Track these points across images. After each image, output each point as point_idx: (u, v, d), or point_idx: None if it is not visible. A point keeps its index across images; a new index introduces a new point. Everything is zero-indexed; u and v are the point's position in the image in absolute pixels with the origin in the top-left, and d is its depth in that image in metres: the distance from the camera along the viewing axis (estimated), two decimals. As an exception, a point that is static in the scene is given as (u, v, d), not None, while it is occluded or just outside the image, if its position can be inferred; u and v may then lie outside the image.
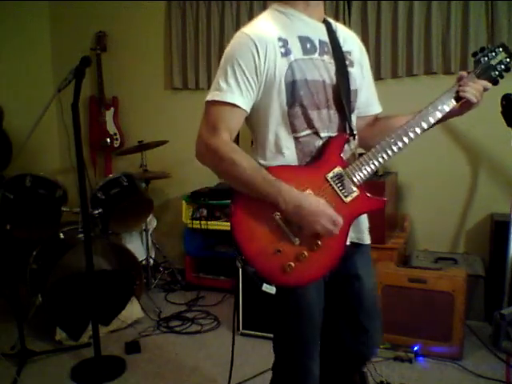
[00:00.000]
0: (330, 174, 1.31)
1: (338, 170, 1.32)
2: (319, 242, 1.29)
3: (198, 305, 3.32)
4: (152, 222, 3.65)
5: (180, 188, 3.75)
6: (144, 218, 3.40)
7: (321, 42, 1.37)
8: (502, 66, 1.37)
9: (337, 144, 1.34)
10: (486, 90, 1.35)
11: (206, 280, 3.56)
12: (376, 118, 1.56)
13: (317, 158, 1.34)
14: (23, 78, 3.91)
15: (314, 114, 1.33)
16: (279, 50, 1.29)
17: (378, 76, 3.15)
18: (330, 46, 1.38)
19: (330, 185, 1.31)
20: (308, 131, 1.34)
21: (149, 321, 3.04)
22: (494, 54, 1.37)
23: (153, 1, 3.77)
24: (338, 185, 1.31)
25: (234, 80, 1.28)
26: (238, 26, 3.50)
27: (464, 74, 1.37)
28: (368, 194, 1.35)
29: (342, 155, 1.34)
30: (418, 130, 1.35)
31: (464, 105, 1.37)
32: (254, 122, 1.38)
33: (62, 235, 3.04)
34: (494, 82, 1.37)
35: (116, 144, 3.95)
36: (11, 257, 2.70)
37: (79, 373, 2.48)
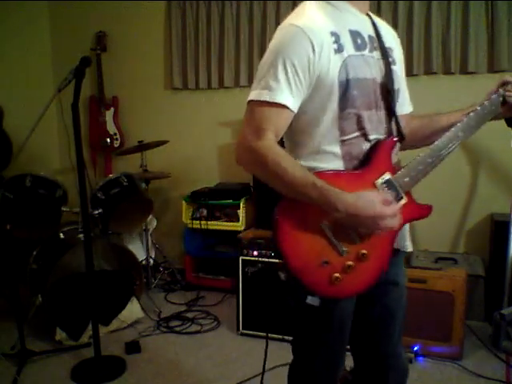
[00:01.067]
0: (380, 181, 1.25)
1: (387, 176, 1.26)
2: (366, 252, 1.24)
3: (197, 305, 3.32)
4: (152, 222, 3.65)
5: (180, 188, 3.75)
6: (144, 218, 3.40)
7: (370, 37, 1.29)
8: None
9: (386, 148, 1.27)
10: None
11: (205, 280, 3.57)
12: (410, 118, 1.49)
13: (365, 163, 1.26)
14: (23, 78, 3.91)
15: (364, 116, 1.24)
16: (332, 45, 1.19)
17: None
18: (377, 42, 1.31)
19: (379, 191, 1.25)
20: (357, 133, 1.25)
21: (149, 321, 3.04)
22: None
23: (153, 1, 3.77)
24: (387, 192, 1.24)
25: (285, 78, 1.16)
26: (238, 26, 3.51)
27: (509, 78, 1.33)
28: (416, 201, 1.30)
29: (391, 160, 1.28)
30: (463, 138, 1.31)
31: (508, 110, 1.34)
32: (298, 121, 1.25)
33: (62, 235, 3.04)
34: None
35: (116, 144, 3.95)
36: (11, 257, 2.70)
37: (79, 373, 2.48)
